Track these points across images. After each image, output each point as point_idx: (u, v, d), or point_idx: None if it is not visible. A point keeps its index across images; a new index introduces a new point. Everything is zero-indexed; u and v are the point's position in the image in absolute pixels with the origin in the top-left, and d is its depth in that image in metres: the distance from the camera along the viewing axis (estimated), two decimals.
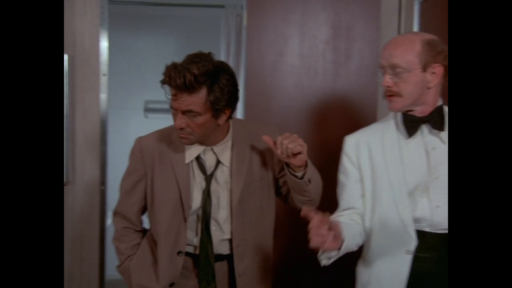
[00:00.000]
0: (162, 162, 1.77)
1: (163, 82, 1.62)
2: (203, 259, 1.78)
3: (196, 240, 1.80)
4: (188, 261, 1.81)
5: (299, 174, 1.67)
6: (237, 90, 1.70)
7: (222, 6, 4.06)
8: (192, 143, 1.71)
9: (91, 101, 2.48)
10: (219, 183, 1.77)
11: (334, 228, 1.51)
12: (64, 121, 2.42)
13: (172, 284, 1.78)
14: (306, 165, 1.67)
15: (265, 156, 1.82)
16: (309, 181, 1.69)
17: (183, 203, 1.74)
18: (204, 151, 1.75)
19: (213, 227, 1.78)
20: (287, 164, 1.68)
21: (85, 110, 2.48)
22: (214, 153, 1.76)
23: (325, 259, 1.65)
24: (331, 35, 2.60)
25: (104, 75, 2.49)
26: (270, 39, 2.59)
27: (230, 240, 1.79)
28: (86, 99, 2.47)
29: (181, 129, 1.65)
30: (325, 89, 2.61)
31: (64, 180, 2.43)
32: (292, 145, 1.59)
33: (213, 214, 1.77)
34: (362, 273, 1.77)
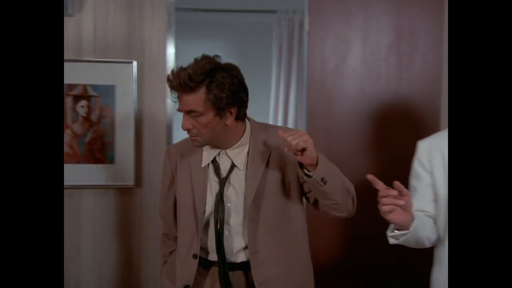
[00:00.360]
0: (182, 166, 1.82)
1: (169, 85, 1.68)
2: (219, 266, 1.75)
3: (212, 246, 1.77)
4: (205, 266, 1.80)
5: (311, 173, 1.59)
6: (241, 89, 1.69)
7: (274, 11, 4.10)
8: (202, 145, 1.73)
9: (158, 106, 2.54)
10: (234, 187, 1.75)
11: (405, 195, 1.55)
12: (132, 125, 2.48)
13: (186, 286, 1.78)
14: (317, 163, 1.58)
15: (287, 161, 1.75)
16: (323, 180, 1.59)
17: (195, 207, 1.76)
18: (219, 154, 1.76)
19: (226, 232, 1.75)
20: (300, 164, 1.62)
21: (152, 115, 2.54)
22: (229, 156, 1.75)
23: (393, 238, 1.65)
24: (394, 39, 2.60)
25: None
26: (333, 44, 2.60)
27: (247, 247, 1.75)
28: (153, 104, 2.53)
29: (189, 130, 1.69)
30: (388, 94, 2.61)
31: (132, 183, 2.50)
32: (295, 141, 1.53)
33: (226, 219, 1.74)
34: (437, 278, 1.76)
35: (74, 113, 2.46)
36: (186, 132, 1.73)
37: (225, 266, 1.75)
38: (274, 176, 1.74)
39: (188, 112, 1.66)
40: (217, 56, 1.71)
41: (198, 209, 1.76)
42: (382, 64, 2.60)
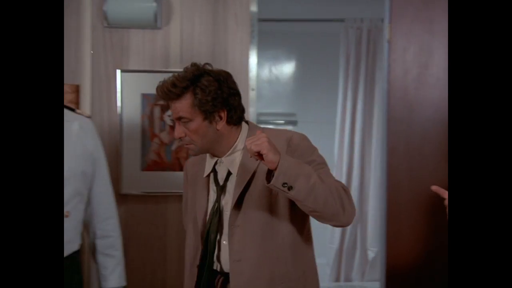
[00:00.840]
0: (193, 179, 1.81)
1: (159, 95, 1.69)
2: (209, 273, 1.72)
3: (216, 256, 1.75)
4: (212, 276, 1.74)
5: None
6: (230, 94, 1.70)
7: (342, 20, 4.11)
8: (197, 153, 1.71)
9: None
10: (230, 194, 1.70)
11: None
12: None
13: None
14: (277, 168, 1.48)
15: None
16: (285, 186, 1.48)
17: (197, 217, 1.76)
18: (217, 162, 1.74)
19: (224, 242, 1.71)
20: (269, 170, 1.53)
21: None
22: (225, 163, 1.72)
23: None
24: None
25: (252, 90, 2.60)
26: (415, 52, 2.59)
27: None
28: None
29: (181, 138, 1.67)
30: None
31: None
32: (249, 145, 1.49)
33: (224, 229, 1.71)
34: None
35: (161, 122, 2.55)
36: None
37: (208, 275, 1.71)
38: (261, 184, 1.62)
39: (178, 120, 1.66)
40: (207, 64, 1.73)
41: (199, 220, 1.75)
42: None
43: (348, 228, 4.13)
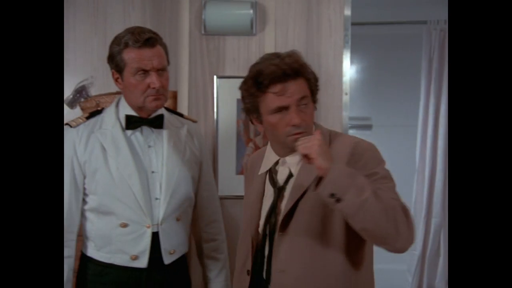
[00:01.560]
0: (251, 177, 1.78)
1: (263, 83, 1.56)
2: (259, 278, 1.67)
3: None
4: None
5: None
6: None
7: (424, 22, 4.04)
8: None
9: (333, 119, 2.60)
10: (287, 198, 1.63)
11: None
12: None
13: None
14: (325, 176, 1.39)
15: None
16: (333, 197, 1.36)
17: (251, 219, 1.70)
18: (277, 162, 1.66)
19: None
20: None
21: (328, 128, 2.59)
22: (287, 164, 1.63)
23: None
24: None
25: (346, 94, 2.60)
26: None
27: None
28: (329, 117, 2.60)
29: (300, 125, 1.54)
30: None
31: None
32: (298, 146, 1.43)
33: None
34: None
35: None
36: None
37: (262, 281, 1.66)
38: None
39: (299, 101, 1.53)
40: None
41: (253, 222, 1.69)
42: None
43: (431, 233, 4.04)
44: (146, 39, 1.84)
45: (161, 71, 1.88)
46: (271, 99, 1.53)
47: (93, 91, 2.63)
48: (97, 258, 1.92)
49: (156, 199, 1.93)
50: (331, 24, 2.59)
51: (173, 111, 2.13)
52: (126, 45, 1.84)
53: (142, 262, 1.90)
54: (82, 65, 2.68)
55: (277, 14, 2.61)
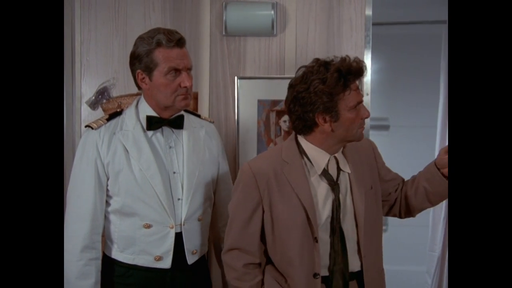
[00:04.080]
0: (280, 183, 1.72)
1: (349, 80, 1.69)
2: (339, 278, 1.71)
3: (326, 258, 1.71)
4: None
5: None
6: None
7: (444, 22, 4.00)
8: None
9: None
10: (341, 191, 1.75)
11: None
12: None
13: None
14: None
15: (371, 163, 1.84)
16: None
17: (310, 221, 1.68)
18: (329, 159, 1.76)
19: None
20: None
21: None
22: (336, 160, 1.76)
23: None
24: None
25: (367, 94, 2.59)
26: None
27: (359, 253, 1.75)
28: None
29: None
30: None
31: None
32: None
33: (347, 225, 1.75)
34: None
35: (277, 127, 2.59)
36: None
37: (346, 275, 1.73)
38: (367, 180, 1.80)
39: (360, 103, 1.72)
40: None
41: (313, 224, 1.69)
42: None
43: None
44: (178, 39, 1.86)
45: (189, 71, 1.90)
46: (352, 96, 1.67)
47: (114, 92, 2.64)
48: (121, 260, 1.94)
49: (179, 199, 1.94)
50: (352, 24, 2.58)
51: (191, 111, 2.14)
52: (159, 45, 1.85)
53: (166, 263, 1.91)
54: (103, 67, 2.70)
55: (298, 15, 2.60)
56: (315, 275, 1.70)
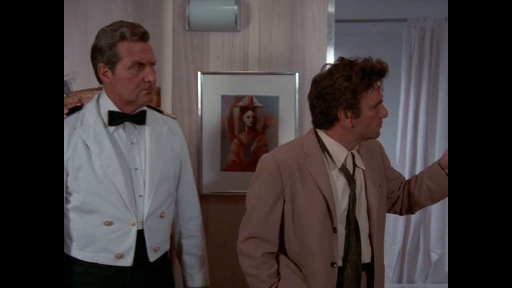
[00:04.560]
0: (302, 174, 1.77)
1: (373, 80, 1.75)
2: (352, 268, 1.79)
3: (341, 249, 1.79)
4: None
5: None
6: None
7: (404, 20, 4.08)
8: None
9: None
10: (357, 186, 1.82)
11: None
12: (294, 136, 2.57)
13: None
14: None
15: (380, 162, 1.92)
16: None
17: (330, 212, 1.75)
18: (348, 155, 1.82)
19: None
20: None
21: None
22: (353, 156, 1.83)
23: None
24: None
25: None
26: None
27: (371, 245, 1.84)
28: None
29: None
30: None
31: None
32: None
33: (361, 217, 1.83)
34: None
35: (241, 123, 2.59)
36: None
37: (359, 266, 1.81)
38: (377, 177, 1.89)
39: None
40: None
41: (333, 215, 1.77)
42: None
43: (411, 229, 4.11)
44: (142, 33, 1.84)
45: (153, 65, 1.87)
46: (374, 95, 1.74)
47: (74, 87, 2.58)
48: (80, 258, 1.89)
49: (140, 196, 1.90)
50: (314, 21, 2.60)
51: (153, 107, 2.10)
52: (123, 38, 1.81)
53: (127, 261, 1.88)
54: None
55: (261, 11, 2.60)
56: (333, 264, 1.77)
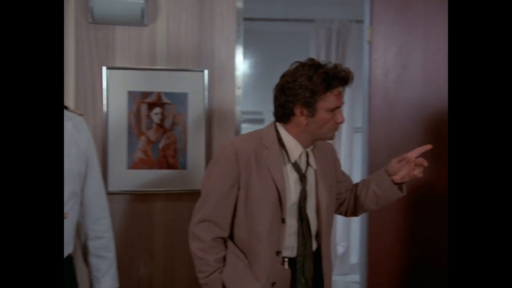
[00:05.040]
0: (258, 164, 1.84)
1: (333, 84, 1.77)
2: (303, 255, 1.87)
3: (292, 240, 1.87)
4: (285, 262, 1.89)
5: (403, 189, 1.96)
6: None
7: (312, 21, 4.20)
8: None
9: (228, 113, 2.61)
10: (308, 184, 1.88)
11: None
12: (203, 132, 2.56)
13: (274, 284, 1.84)
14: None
15: (331, 165, 2.01)
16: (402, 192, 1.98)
17: (281, 203, 1.82)
18: (301, 153, 1.88)
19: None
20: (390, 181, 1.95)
21: (221, 122, 2.61)
22: (307, 155, 1.89)
23: None
24: None
25: (238, 88, 2.63)
26: (395, 53, 2.69)
27: (317, 242, 1.93)
28: (222, 111, 2.61)
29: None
30: (447, 101, 2.70)
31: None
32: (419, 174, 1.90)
33: (309, 211, 1.91)
34: None
35: (148, 120, 2.53)
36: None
37: (310, 255, 1.89)
38: (329, 177, 1.95)
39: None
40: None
41: (283, 207, 1.83)
42: (442, 73, 2.70)
43: None
44: None
45: None
46: (332, 99, 1.79)
47: None
48: None
49: None
50: (224, 18, 2.60)
51: None
52: None
53: None
54: None
55: (170, 6, 2.56)
56: (278, 252, 1.84)
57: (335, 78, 1.78)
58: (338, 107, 1.81)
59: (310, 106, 1.79)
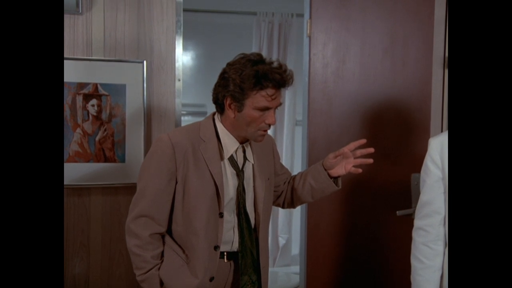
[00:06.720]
0: (196, 158, 1.82)
1: (262, 84, 1.73)
2: (245, 251, 1.90)
3: (231, 235, 1.90)
4: (225, 256, 1.91)
5: (339, 182, 2.04)
6: None
7: (254, 14, 4.20)
8: None
9: (167, 105, 2.57)
10: (245, 178, 1.90)
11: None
12: (142, 124, 2.51)
13: (212, 279, 1.85)
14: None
15: (270, 158, 2.05)
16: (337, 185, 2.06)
17: (219, 198, 1.83)
18: (237, 148, 1.90)
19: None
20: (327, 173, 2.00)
21: (162, 114, 2.57)
22: (244, 150, 1.91)
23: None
24: (389, 44, 2.77)
25: (179, 80, 2.59)
26: (334, 47, 2.74)
27: (255, 235, 1.95)
28: (162, 103, 2.57)
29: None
30: (382, 95, 2.78)
31: None
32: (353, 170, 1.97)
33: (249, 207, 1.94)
34: None
35: (84, 111, 2.45)
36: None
37: (253, 250, 1.92)
38: (267, 171, 1.98)
39: (278, 106, 1.83)
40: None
41: (220, 201, 1.83)
42: (378, 67, 2.77)
43: None
44: None
45: None
46: (261, 99, 1.75)
47: None
48: None
49: None
50: (162, 9, 2.55)
51: None
52: None
53: None
54: None
55: None
56: (216, 247, 1.84)
57: (266, 78, 1.73)
58: (268, 108, 1.77)
59: (238, 101, 1.77)
